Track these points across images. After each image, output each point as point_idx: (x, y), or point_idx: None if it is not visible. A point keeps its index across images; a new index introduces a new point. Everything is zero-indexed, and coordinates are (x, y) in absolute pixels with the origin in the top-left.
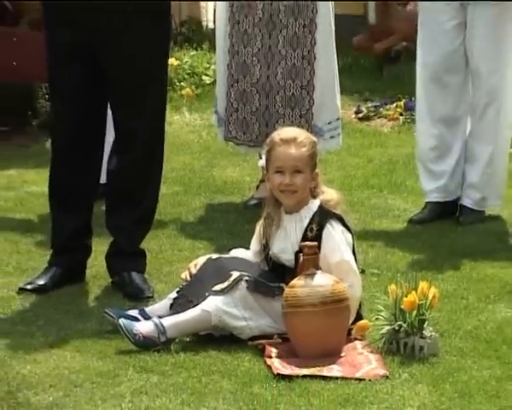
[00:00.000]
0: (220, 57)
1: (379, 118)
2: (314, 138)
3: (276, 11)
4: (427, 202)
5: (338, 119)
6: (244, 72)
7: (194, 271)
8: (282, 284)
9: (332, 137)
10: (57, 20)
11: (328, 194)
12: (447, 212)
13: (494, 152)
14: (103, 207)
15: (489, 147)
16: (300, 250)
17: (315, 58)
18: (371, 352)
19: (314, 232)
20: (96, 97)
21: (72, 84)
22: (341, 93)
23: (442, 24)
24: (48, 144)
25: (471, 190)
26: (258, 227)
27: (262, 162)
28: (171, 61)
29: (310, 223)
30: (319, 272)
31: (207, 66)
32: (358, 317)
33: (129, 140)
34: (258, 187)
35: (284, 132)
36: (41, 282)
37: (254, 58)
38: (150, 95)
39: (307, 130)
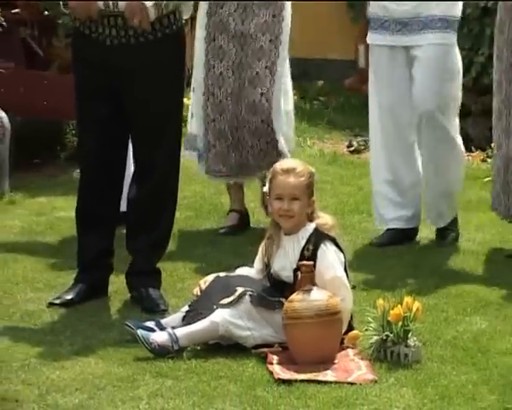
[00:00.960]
0: (199, 100)
1: (368, 151)
2: (312, 169)
3: (246, 55)
4: (387, 229)
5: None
6: (220, 111)
7: (203, 287)
8: (281, 299)
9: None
10: (84, 63)
11: (324, 219)
12: (406, 238)
13: (446, 180)
14: (123, 231)
15: (442, 178)
16: (298, 268)
17: (272, 94)
18: (361, 359)
19: (310, 252)
20: (119, 133)
21: (96, 122)
22: (335, 129)
23: (391, 77)
24: (74, 174)
25: (430, 211)
26: (261, 248)
27: (265, 189)
28: (184, 100)
29: (306, 244)
30: (315, 288)
31: None
32: (350, 328)
33: (147, 172)
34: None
35: (285, 163)
36: (68, 297)
37: (228, 98)
38: (167, 132)
39: (276, 154)
